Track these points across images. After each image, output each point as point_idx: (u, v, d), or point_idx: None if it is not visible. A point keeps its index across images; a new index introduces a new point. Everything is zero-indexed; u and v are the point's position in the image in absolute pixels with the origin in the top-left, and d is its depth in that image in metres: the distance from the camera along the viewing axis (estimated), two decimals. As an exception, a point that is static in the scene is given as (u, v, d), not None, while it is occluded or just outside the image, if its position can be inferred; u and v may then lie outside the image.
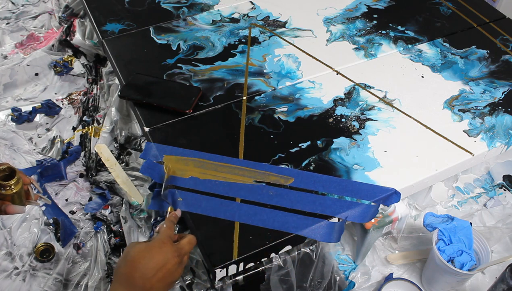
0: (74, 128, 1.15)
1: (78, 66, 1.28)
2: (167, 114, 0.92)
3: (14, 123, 1.16)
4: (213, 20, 1.15)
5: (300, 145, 0.87)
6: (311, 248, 0.83)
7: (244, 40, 1.09)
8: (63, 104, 1.21)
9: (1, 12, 1.41)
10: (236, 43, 1.08)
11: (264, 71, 1.02)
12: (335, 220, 0.76)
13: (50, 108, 1.18)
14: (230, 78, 1.00)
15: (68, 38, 1.30)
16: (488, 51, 1.07)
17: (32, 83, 1.26)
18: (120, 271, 0.61)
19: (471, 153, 0.86)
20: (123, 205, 0.96)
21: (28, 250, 0.91)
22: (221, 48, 1.07)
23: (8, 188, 0.66)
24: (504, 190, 1.00)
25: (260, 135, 0.88)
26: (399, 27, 1.13)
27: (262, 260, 0.76)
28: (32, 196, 0.72)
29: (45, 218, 0.95)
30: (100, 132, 1.10)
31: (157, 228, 0.68)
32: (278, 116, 0.92)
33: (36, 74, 1.27)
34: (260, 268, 0.80)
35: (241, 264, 0.73)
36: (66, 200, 0.99)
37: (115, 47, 1.08)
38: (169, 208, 0.75)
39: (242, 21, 1.15)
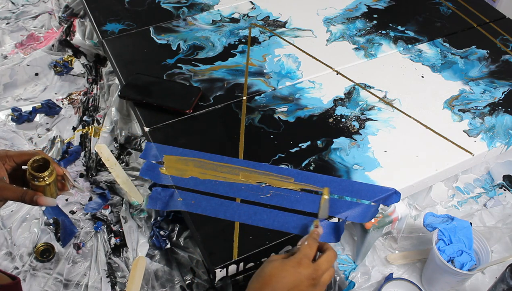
0: (74, 128, 1.15)
1: (78, 66, 1.28)
2: (167, 114, 0.92)
3: (14, 123, 1.16)
4: (213, 20, 1.15)
5: (300, 145, 0.87)
6: (311, 248, 0.83)
7: (244, 40, 1.09)
8: (63, 104, 1.21)
9: (1, 12, 1.41)
10: (236, 43, 1.08)
11: (264, 71, 1.02)
12: (335, 220, 0.76)
13: (50, 108, 1.18)
14: (230, 78, 1.00)
15: (68, 38, 1.30)
16: (488, 51, 1.07)
17: (32, 83, 1.26)
18: (253, 285, 0.59)
19: (471, 153, 0.86)
20: (123, 205, 0.96)
21: (28, 250, 0.91)
22: (221, 48, 1.07)
23: (41, 179, 0.64)
24: (504, 190, 1.00)
25: (260, 135, 0.88)
26: (399, 27, 1.13)
27: (262, 260, 0.76)
28: (68, 185, 0.69)
29: (45, 218, 0.95)
30: (100, 132, 1.10)
31: (299, 242, 0.64)
32: (278, 116, 0.92)
33: (36, 74, 1.26)
34: (260, 268, 0.80)
35: (241, 264, 0.73)
36: (66, 200, 0.99)
37: (115, 47, 1.08)
38: (314, 223, 0.70)
39: (242, 21, 1.15)
